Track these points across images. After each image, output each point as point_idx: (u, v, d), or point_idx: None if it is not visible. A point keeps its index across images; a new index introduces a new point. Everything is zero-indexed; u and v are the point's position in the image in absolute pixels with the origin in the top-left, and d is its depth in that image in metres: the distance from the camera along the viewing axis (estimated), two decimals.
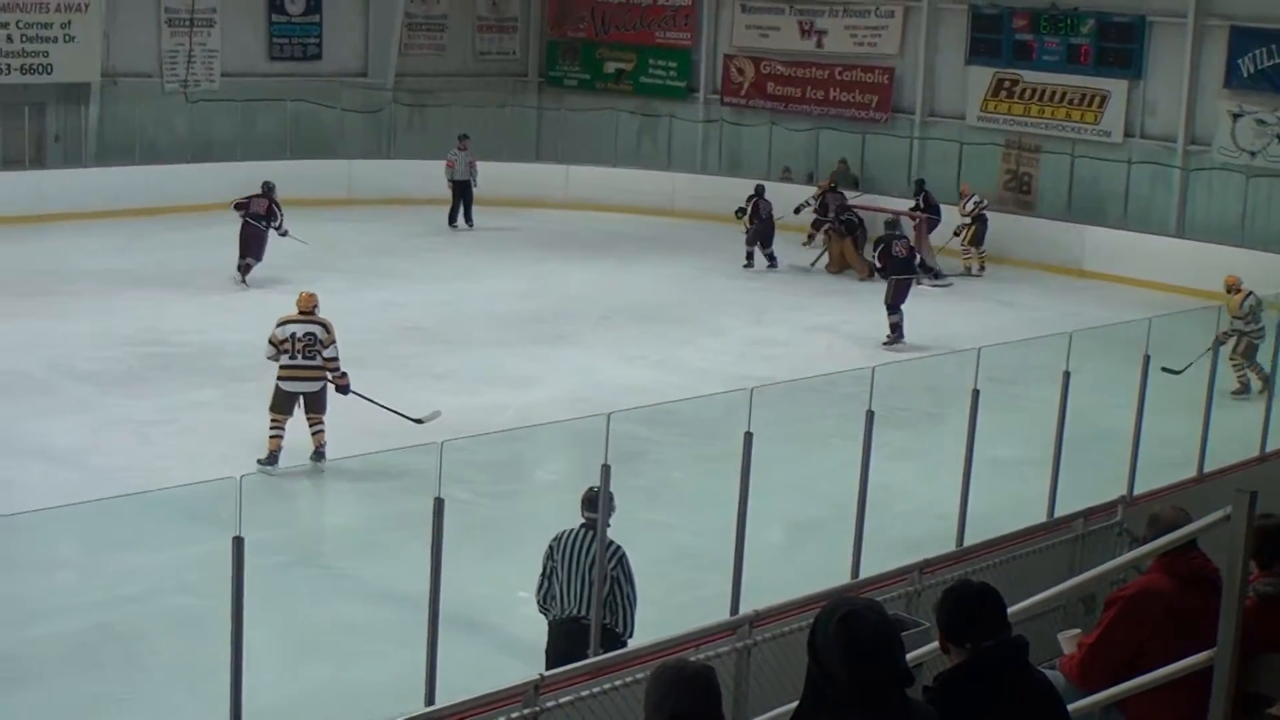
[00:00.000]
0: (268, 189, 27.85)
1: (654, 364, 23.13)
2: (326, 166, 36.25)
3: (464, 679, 9.39)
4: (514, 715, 8.58)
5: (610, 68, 41.93)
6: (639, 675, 8.72)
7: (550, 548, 11.12)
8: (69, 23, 33.80)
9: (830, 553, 12.70)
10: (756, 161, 37.84)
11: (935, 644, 6.06)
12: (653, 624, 10.84)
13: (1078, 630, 7.90)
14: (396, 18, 39.31)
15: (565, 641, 10.91)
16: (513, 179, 36.78)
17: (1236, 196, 31.32)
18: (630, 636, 10.86)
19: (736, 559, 11.03)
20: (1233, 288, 22.66)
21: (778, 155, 38.15)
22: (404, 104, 39.62)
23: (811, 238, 33.30)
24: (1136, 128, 33.02)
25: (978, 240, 31.88)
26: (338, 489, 18.18)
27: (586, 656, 10.16)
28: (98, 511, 13.57)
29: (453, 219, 34.41)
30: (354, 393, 17.72)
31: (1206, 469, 14.73)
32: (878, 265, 26.60)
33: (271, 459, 17.25)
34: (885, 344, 24.94)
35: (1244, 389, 21.81)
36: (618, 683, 8.90)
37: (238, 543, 8.51)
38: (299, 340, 17.39)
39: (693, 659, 8.66)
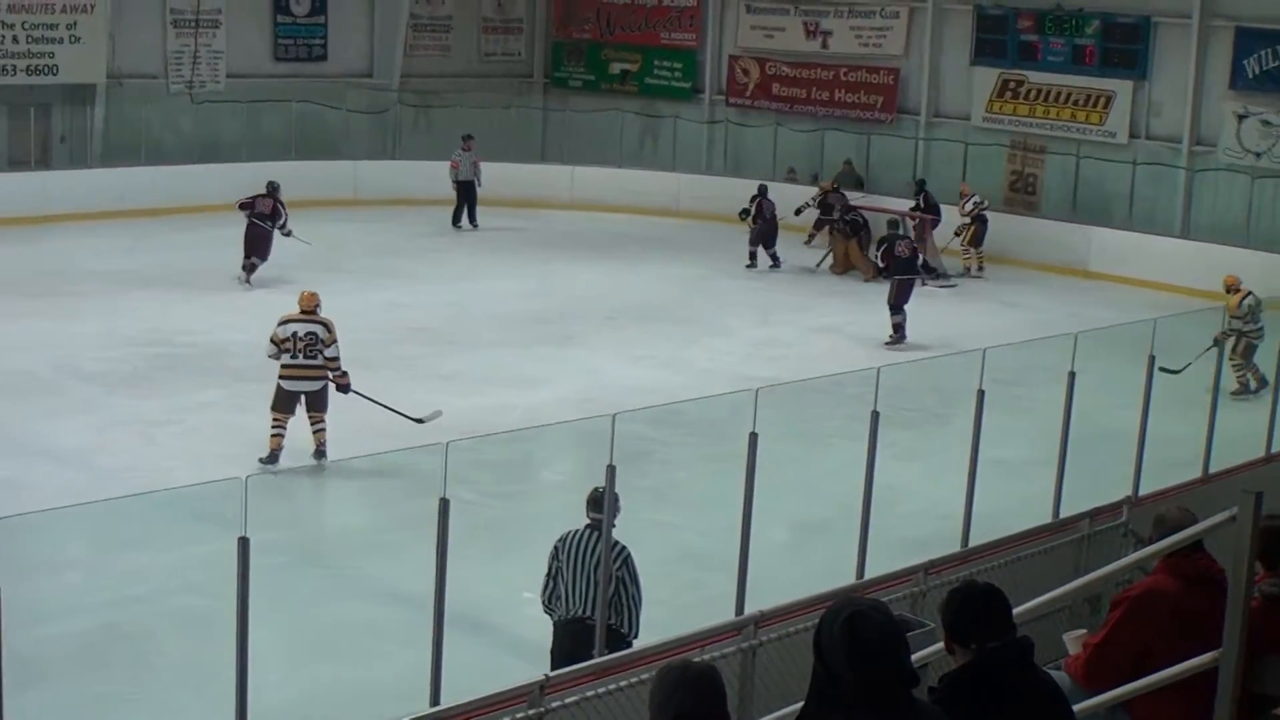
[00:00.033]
0: (272, 189, 27.87)
1: (660, 364, 23.13)
2: (332, 167, 36.26)
3: (469, 679, 9.40)
4: (519, 715, 8.59)
5: (615, 69, 41.92)
6: (644, 676, 8.73)
7: (555, 548, 11.13)
8: (74, 24, 33.81)
9: (835, 553, 12.70)
10: (761, 162, 37.81)
11: (940, 645, 6.06)
12: (658, 624, 10.85)
13: (1083, 631, 7.91)
14: (402, 19, 39.31)
15: (570, 642, 10.92)
16: (518, 180, 36.81)
17: (1242, 197, 31.31)
18: (635, 637, 10.86)
19: (741, 559, 11.03)
20: (1232, 287, 22.69)
21: (783, 156, 38.15)
22: (409, 105, 39.61)
23: (812, 237, 33.42)
24: (1141, 128, 33.01)
25: (977, 240, 31.88)
26: (343, 489, 18.20)
27: (592, 657, 10.17)
28: (103, 512, 13.59)
29: (456, 219, 34.41)
30: (354, 392, 17.78)
31: (1212, 470, 14.71)
32: (881, 265, 26.64)
33: (273, 457, 17.36)
34: (887, 344, 24.95)
35: (1244, 389, 21.81)
36: (623, 683, 8.91)
37: (243, 543, 8.52)
38: (300, 339, 17.45)
39: (698, 659, 8.69)
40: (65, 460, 17.57)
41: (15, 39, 33.08)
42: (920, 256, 27.25)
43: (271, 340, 17.64)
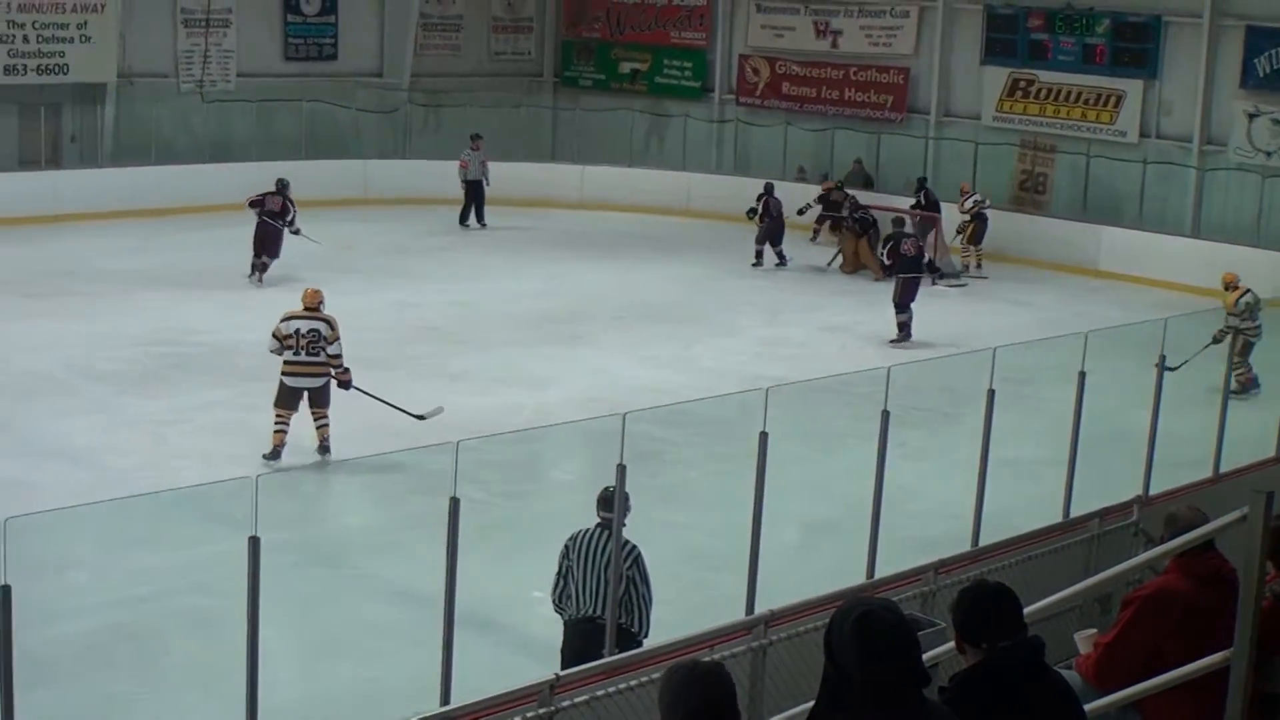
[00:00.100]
0: (282, 186, 27.91)
1: (668, 364, 23.12)
2: (342, 166, 36.32)
3: (479, 679, 9.39)
4: (529, 715, 8.58)
5: (625, 68, 41.93)
6: (654, 675, 8.71)
7: (566, 547, 11.12)
8: (85, 23, 33.86)
9: (845, 553, 12.68)
10: (771, 162, 37.79)
11: (951, 644, 6.05)
12: (668, 623, 10.84)
13: (1094, 630, 7.89)
14: (412, 18, 39.33)
15: (581, 641, 10.91)
16: (528, 179, 36.85)
17: (1252, 196, 31.27)
18: (646, 636, 10.86)
19: (752, 558, 11.02)
20: (1230, 285, 22.69)
21: (793, 155, 38.14)
22: (419, 104, 39.63)
23: (816, 233, 33.51)
24: (1152, 128, 32.98)
25: (976, 238, 31.90)
26: (352, 489, 18.22)
27: (602, 656, 10.16)
28: (113, 511, 13.60)
29: (464, 219, 34.43)
30: (356, 388, 17.85)
31: (1222, 469, 14.68)
32: (886, 262, 26.64)
33: (275, 453, 17.46)
34: (892, 342, 24.94)
35: (1243, 388, 21.75)
36: (633, 683, 8.89)
37: (254, 542, 8.52)
38: (303, 336, 17.52)
39: (707, 659, 8.69)
40: (75, 459, 17.59)
41: (26, 38, 33.12)
42: (926, 255, 27.23)
43: (274, 335, 17.71)
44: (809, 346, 24.69)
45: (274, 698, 9.72)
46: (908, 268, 25.63)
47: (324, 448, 17.68)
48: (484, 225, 34.33)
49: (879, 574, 11.56)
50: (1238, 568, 6.43)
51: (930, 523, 15.01)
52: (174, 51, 36.11)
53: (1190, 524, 7.36)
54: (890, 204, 32.22)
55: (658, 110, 40.84)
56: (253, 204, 27.57)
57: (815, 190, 34.15)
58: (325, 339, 17.54)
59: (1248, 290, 22.43)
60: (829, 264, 31.70)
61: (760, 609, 10.32)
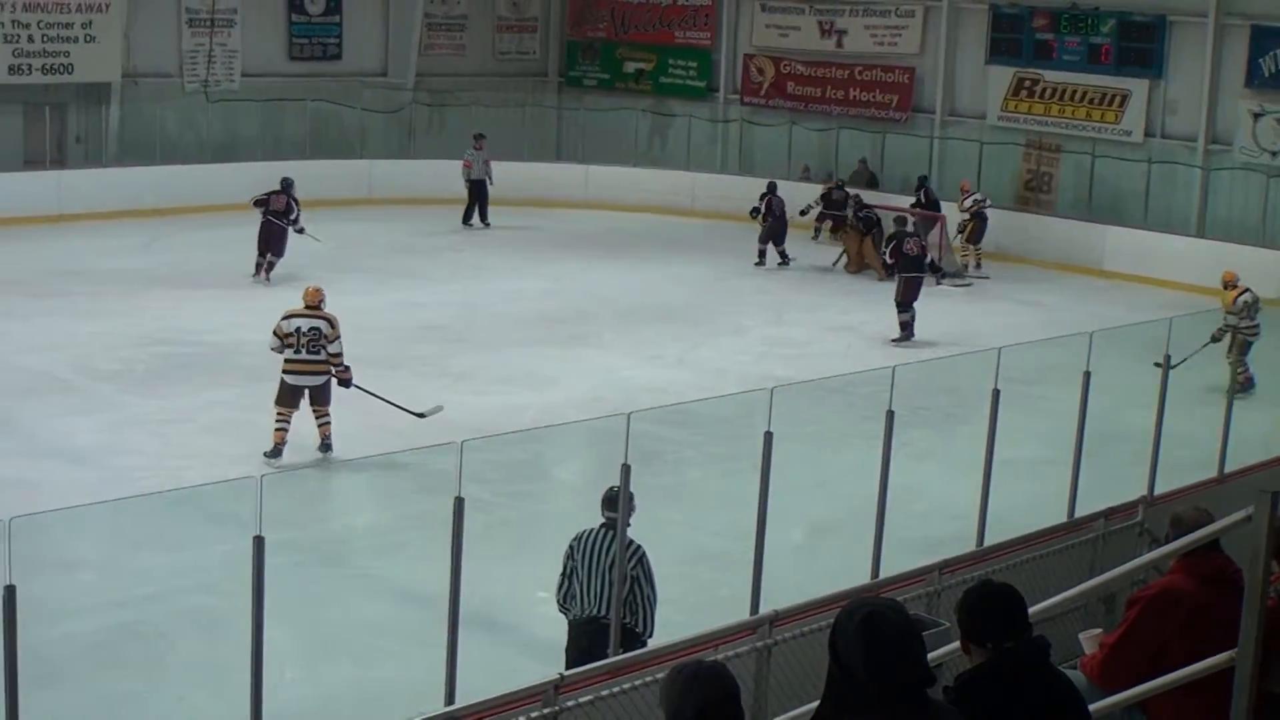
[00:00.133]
0: (286, 185, 27.95)
1: (673, 364, 23.13)
2: (346, 166, 36.35)
3: (484, 679, 9.39)
4: (534, 715, 8.58)
5: (630, 68, 41.93)
6: (659, 675, 8.70)
7: (570, 547, 11.11)
8: (90, 23, 33.88)
9: (850, 553, 12.69)
10: (776, 161, 37.77)
11: (956, 644, 6.04)
12: (673, 623, 10.84)
13: (1099, 630, 7.89)
14: (416, 18, 39.34)
15: (585, 641, 10.90)
16: (532, 179, 36.84)
17: (1257, 196, 31.26)
18: (650, 636, 10.84)
19: (756, 558, 11.02)
20: (1229, 283, 22.70)
21: (797, 155, 38.15)
22: (424, 104, 39.65)
23: (818, 231, 33.57)
24: (1157, 127, 32.96)
25: (976, 237, 31.90)
26: (357, 489, 18.22)
27: (606, 656, 10.16)
28: (117, 511, 13.63)
29: (467, 218, 34.44)
30: (356, 386, 17.89)
31: (1227, 469, 14.67)
32: (889, 261, 26.63)
33: (276, 451, 17.51)
34: (894, 341, 24.94)
35: (1241, 388, 21.71)
36: (637, 682, 8.89)
37: (258, 542, 8.52)
38: (304, 335, 17.56)
39: (712, 659, 8.68)
40: (79, 459, 17.60)
41: (31, 38, 33.14)
42: (928, 255, 27.23)
43: (274, 333, 17.76)
44: (813, 346, 24.69)
45: (279, 697, 9.72)
46: (910, 267, 25.62)
47: (326, 445, 17.72)
48: (487, 225, 34.34)
49: (884, 574, 11.56)
50: (1243, 568, 6.42)
51: (935, 523, 15.01)
52: (179, 51, 36.12)
53: (1195, 524, 7.35)
54: (892, 203, 32.26)
55: (662, 110, 40.86)
56: (257, 203, 27.62)
57: (819, 190, 34.18)
58: (326, 337, 17.57)
59: (1246, 289, 22.44)
60: (834, 264, 31.69)
61: (765, 609, 10.31)
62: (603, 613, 10.83)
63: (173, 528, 14.74)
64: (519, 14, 42.29)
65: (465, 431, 10.80)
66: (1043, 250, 32.46)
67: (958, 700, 5.42)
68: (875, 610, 4.80)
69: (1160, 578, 7.67)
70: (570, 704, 8.72)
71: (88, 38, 33.90)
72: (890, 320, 25.41)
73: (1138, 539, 12.17)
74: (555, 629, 11.42)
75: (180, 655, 13.04)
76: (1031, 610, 6.04)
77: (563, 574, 11.14)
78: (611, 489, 10.74)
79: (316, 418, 17.72)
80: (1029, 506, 14.02)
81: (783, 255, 31.42)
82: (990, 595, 5.80)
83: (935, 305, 26.22)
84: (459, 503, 9.32)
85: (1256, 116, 31.23)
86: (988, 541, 12.40)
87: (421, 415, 18.05)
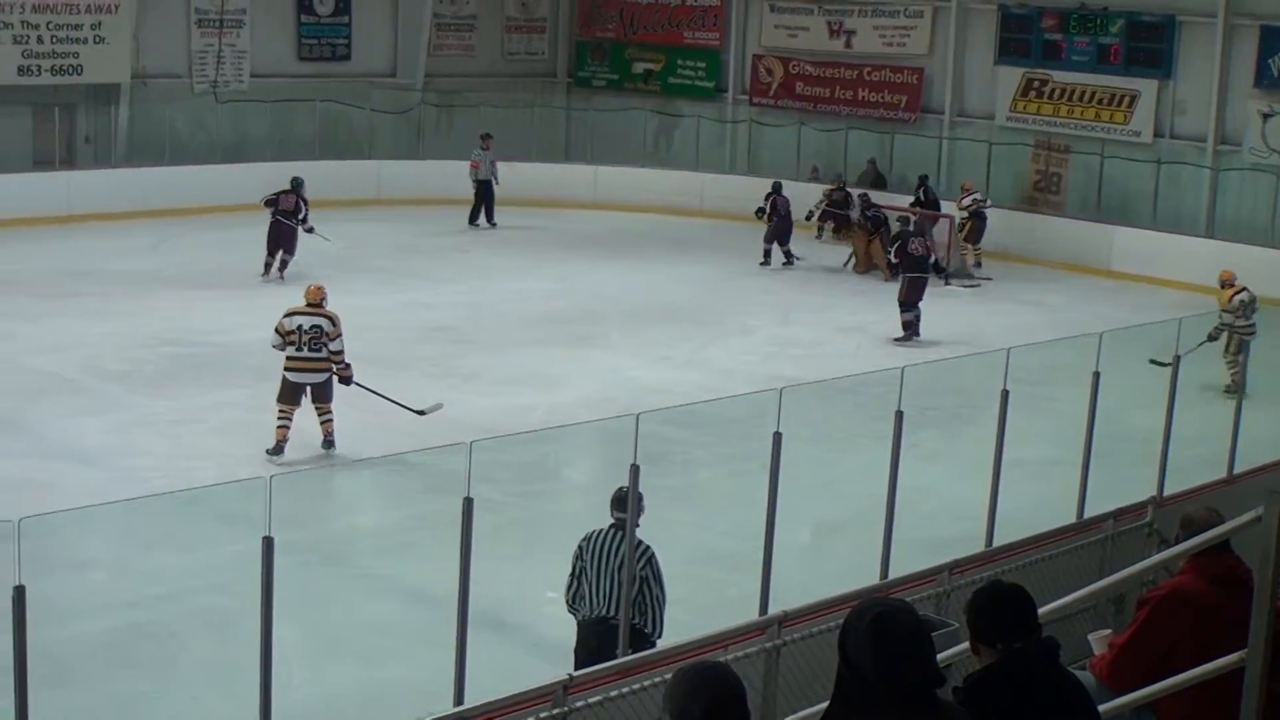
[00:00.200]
0: (296, 185, 28.01)
1: (681, 364, 23.13)
2: (355, 167, 36.37)
3: (493, 679, 9.39)
4: (543, 715, 8.58)
5: (639, 68, 41.94)
6: (668, 675, 8.69)
7: (579, 548, 11.12)
8: (99, 24, 33.92)
9: (859, 553, 12.67)
10: (785, 162, 37.75)
11: (965, 645, 6.04)
12: (681, 624, 10.84)
13: (1108, 631, 7.88)
14: (425, 18, 39.35)
15: (594, 641, 10.91)
16: (541, 179, 36.86)
17: (1266, 196, 31.23)
18: (659, 637, 10.85)
19: (765, 559, 11.01)
20: (1227, 282, 22.70)
21: (806, 155, 38.12)
22: (433, 104, 39.65)
23: (821, 230, 33.66)
24: (1166, 128, 32.93)
25: (974, 237, 31.89)
26: (365, 489, 18.24)
27: (615, 657, 10.16)
28: (127, 511, 13.65)
29: (474, 219, 34.44)
30: (357, 384, 17.96)
31: (1236, 470, 14.66)
32: (893, 260, 26.64)
33: (279, 448, 17.60)
34: (897, 340, 24.93)
35: (1239, 386, 21.69)
36: (646, 683, 8.89)
37: (267, 542, 8.52)
38: (306, 332, 17.67)
39: (720, 660, 8.68)
40: (89, 460, 17.63)
41: (40, 39, 33.18)
42: (932, 255, 27.23)
43: (276, 331, 17.86)
44: (821, 347, 24.69)
45: (288, 697, 9.73)
46: (914, 267, 25.61)
47: (328, 442, 17.83)
48: (494, 225, 34.35)
49: (893, 574, 11.55)
50: (1253, 569, 6.41)
51: (944, 523, 14.99)
52: (188, 52, 36.16)
53: (1205, 525, 7.35)
54: (895, 203, 32.30)
55: (671, 110, 40.85)
56: (267, 203, 27.70)
57: (824, 191, 34.29)
58: (327, 335, 17.68)
59: (1244, 288, 22.46)
60: (844, 264, 31.64)
61: (774, 609, 10.30)
62: (612, 613, 10.83)
63: (182, 528, 14.77)
64: (528, 14, 42.30)
65: (472, 432, 10.82)
66: (1050, 251, 32.44)
67: (967, 701, 5.42)
68: (885, 611, 4.80)
69: (1170, 578, 7.67)
70: (579, 704, 8.71)
71: (97, 39, 33.94)
72: (897, 320, 25.38)
73: (1147, 539, 12.15)
74: (564, 629, 11.43)
75: (190, 655, 13.06)
76: (1041, 611, 6.04)
77: (572, 574, 11.15)
78: (620, 489, 10.74)
79: (319, 415, 17.83)
80: (1038, 507, 14.02)
81: (787, 255, 31.42)
82: (1000, 596, 5.80)
83: (941, 305, 26.22)
84: (468, 503, 9.32)
85: (1266, 117, 31.21)
86: (997, 542, 12.39)
87: (421, 413, 18.11)
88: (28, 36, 33.00)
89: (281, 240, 27.58)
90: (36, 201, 31.60)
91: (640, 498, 10.55)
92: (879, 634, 4.72)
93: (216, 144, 35.65)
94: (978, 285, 30.54)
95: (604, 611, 10.89)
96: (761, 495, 11.01)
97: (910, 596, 10.04)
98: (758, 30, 39.74)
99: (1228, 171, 31.94)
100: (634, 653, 10.20)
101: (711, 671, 4.95)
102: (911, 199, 32.67)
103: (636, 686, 8.89)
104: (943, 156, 36.06)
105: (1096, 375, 13.46)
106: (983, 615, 5.75)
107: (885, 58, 37.34)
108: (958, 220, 32.00)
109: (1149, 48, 32.77)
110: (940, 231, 31.32)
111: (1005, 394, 12.73)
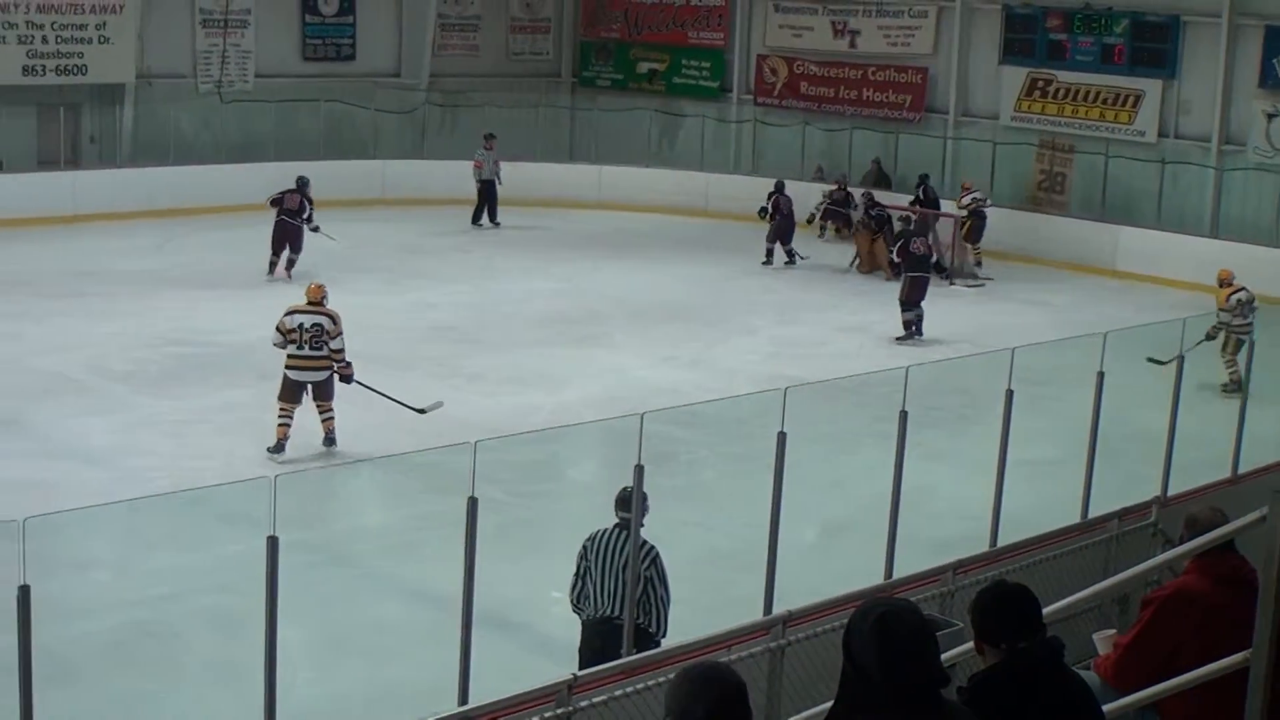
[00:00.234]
0: (302, 184, 28.05)
1: (686, 364, 23.12)
2: (360, 167, 36.37)
3: (497, 679, 9.40)
4: (547, 715, 8.59)
5: (643, 68, 41.93)
6: (672, 675, 8.71)
7: (584, 547, 11.13)
8: (104, 24, 33.93)
9: (863, 553, 12.68)
10: (789, 162, 37.75)
11: (970, 645, 6.04)
12: (686, 624, 10.83)
13: (1113, 631, 7.88)
14: (430, 18, 39.36)
15: (599, 641, 10.91)
16: (546, 179, 36.88)
17: (1271, 196, 31.21)
18: (664, 636, 10.86)
19: (770, 559, 11.02)
20: (1225, 281, 22.70)
21: (811, 155, 38.13)
22: (437, 104, 39.66)
23: (823, 229, 33.75)
24: (1171, 128, 32.90)
25: (974, 236, 31.88)
26: (369, 488, 18.23)
27: (620, 656, 10.17)
28: (132, 511, 13.65)
29: (477, 218, 34.41)
30: (357, 382, 18.02)
31: (1241, 470, 14.65)
32: (895, 260, 26.63)
33: (279, 446, 17.64)
34: (898, 340, 24.92)
35: (1236, 385, 21.67)
36: (651, 683, 8.89)
37: (272, 542, 8.53)
38: (307, 331, 17.74)
39: (725, 659, 8.68)
40: (94, 460, 17.64)
41: (45, 39, 33.20)
42: (934, 255, 27.19)
43: (277, 329, 17.93)
44: (825, 347, 24.67)
45: (293, 697, 9.74)
46: (916, 266, 25.59)
47: (330, 440, 17.90)
48: (497, 225, 34.35)
49: (897, 574, 11.56)
50: (1257, 568, 6.41)
51: (948, 523, 15.00)
52: (192, 52, 36.17)
53: (1210, 525, 7.34)
54: (896, 203, 32.32)
55: (675, 110, 40.84)
56: (273, 202, 27.76)
57: (826, 191, 34.39)
58: (328, 333, 17.75)
59: (1242, 288, 22.46)
60: (850, 265, 31.60)
61: (778, 609, 10.31)
62: (616, 613, 10.84)
63: (187, 528, 14.77)
64: (532, 14, 42.30)
65: (477, 432, 10.82)
66: (1055, 250, 32.42)
67: (971, 701, 5.42)
68: (889, 610, 4.80)
69: (1174, 578, 7.67)
70: (584, 704, 8.72)
71: (102, 39, 33.95)
72: (898, 320, 25.36)
73: (1151, 539, 12.16)
74: (569, 629, 11.43)
75: (195, 655, 13.07)
76: (1045, 611, 6.04)
77: (576, 574, 11.15)
78: (625, 489, 10.75)
79: (320, 413, 17.90)
80: (1042, 507, 14.01)
81: (790, 254, 31.43)
82: (1004, 596, 5.80)
83: (945, 305, 26.21)
84: (473, 503, 9.34)
85: (1270, 117, 31.18)
86: (1001, 542, 12.40)
87: (422, 411, 18.14)
88: (33, 37, 33.02)
89: (287, 239, 27.62)
90: (41, 201, 31.62)
91: (645, 497, 10.57)
92: (883, 634, 4.72)
93: (221, 144, 35.67)
94: (982, 285, 30.51)
95: (608, 611, 10.90)
96: (766, 495, 11.02)
97: (915, 596, 10.04)
98: (762, 30, 39.72)
99: (1232, 171, 31.92)
100: (638, 652, 10.21)
101: (714, 672, 4.96)
102: (911, 198, 32.67)
103: (641, 686, 8.89)
104: (947, 156, 36.04)
105: (1101, 375, 13.47)
106: (987, 615, 5.76)
107: (890, 58, 37.32)
108: (957, 219, 31.96)
109: (1153, 48, 32.74)
110: (944, 231, 31.33)
111: (1010, 394, 12.73)
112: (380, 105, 38.32)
